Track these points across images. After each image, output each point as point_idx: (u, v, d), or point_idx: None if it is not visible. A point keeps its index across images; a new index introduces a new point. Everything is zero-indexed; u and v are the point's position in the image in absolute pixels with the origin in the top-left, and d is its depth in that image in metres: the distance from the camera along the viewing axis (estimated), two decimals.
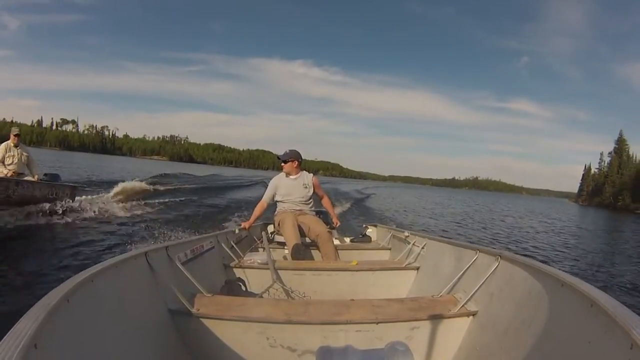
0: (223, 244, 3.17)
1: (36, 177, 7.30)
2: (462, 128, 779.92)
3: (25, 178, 7.05)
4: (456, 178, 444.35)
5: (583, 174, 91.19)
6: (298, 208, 3.98)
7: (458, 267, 2.33)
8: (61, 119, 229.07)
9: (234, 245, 3.42)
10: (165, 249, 2.09)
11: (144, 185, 13.78)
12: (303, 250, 3.51)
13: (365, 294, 2.82)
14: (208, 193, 15.86)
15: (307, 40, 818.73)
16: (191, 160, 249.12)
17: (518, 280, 1.71)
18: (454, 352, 1.86)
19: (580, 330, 1.15)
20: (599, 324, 1.07)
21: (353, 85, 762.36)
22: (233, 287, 2.55)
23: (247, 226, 3.82)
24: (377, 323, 1.87)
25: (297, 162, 4.04)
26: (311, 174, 4.13)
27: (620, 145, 73.63)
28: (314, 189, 4.08)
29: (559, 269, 1.53)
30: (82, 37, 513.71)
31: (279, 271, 2.85)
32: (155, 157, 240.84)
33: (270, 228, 4.46)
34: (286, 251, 3.64)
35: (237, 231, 3.69)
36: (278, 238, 4.02)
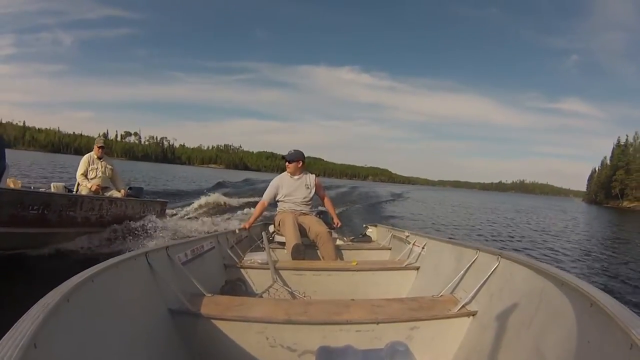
0: (223, 244, 3.10)
1: (122, 191, 6.43)
2: (511, 130, 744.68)
3: (110, 193, 6.25)
4: (503, 182, 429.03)
5: (589, 176, 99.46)
6: (299, 208, 3.83)
7: (458, 267, 2.23)
8: (125, 131, 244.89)
9: (234, 246, 3.34)
10: (165, 249, 2.03)
11: (224, 198, 13.01)
12: (303, 250, 3.38)
13: (365, 294, 2.71)
14: None
15: (354, 46, 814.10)
16: (246, 168, 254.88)
17: (518, 280, 1.67)
18: (454, 352, 1.81)
19: (580, 330, 1.14)
20: (599, 323, 1.05)
21: (401, 90, 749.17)
22: (233, 287, 2.47)
23: (247, 226, 3.71)
24: (377, 323, 1.81)
25: (301, 163, 3.90)
26: (313, 175, 3.99)
27: (614, 151, 77.92)
28: (315, 190, 3.93)
29: (558, 267, 1.50)
30: (131, 50, 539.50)
31: (279, 271, 2.78)
32: (213, 165, 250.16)
33: (271, 228, 4.31)
34: (286, 251, 3.50)
35: (237, 231, 3.58)
36: (278, 238, 3.87)
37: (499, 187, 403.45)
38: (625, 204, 64.61)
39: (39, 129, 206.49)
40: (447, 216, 19.20)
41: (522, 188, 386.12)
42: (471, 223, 16.42)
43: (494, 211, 26.82)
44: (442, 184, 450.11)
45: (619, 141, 78.33)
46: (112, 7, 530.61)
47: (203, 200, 11.72)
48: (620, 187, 68.55)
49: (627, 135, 76.20)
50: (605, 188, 75.11)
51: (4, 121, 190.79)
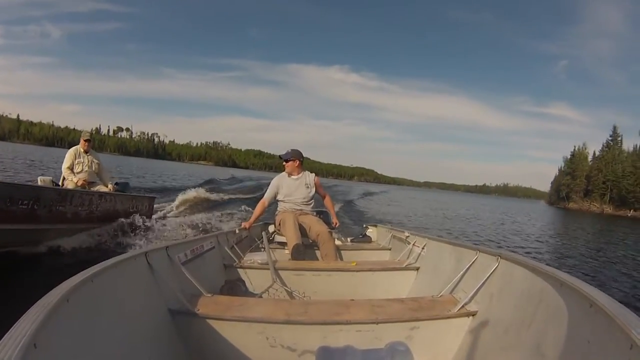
0: (223, 244, 3.02)
1: (110, 186, 6.12)
2: (499, 133, 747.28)
3: (97, 188, 5.90)
4: (487, 184, 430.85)
5: (552, 180, 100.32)
6: (299, 208, 3.73)
7: (458, 267, 2.20)
8: (117, 126, 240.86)
9: (234, 246, 3.26)
10: (165, 249, 1.98)
11: (206, 193, 12.58)
12: (303, 250, 3.30)
13: (365, 294, 2.66)
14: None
15: (343, 46, 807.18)
16: (234, 165, 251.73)
17: (518, 281, 1.64)
18: (454, 352, 1.78)
19: (580, 330, 1.12)
20: (599, 324, 1.03)
21: (391, 90, 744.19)
22: (233, 287, 2.42)
23: (247, 226, 3.57)
24: (377, 323, 1.78)
25: (298, 162, 3.78)
26: (313, 174, 3.88)
27: (568, 161, 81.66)
28: (315, 189, 3.84)
29: (557, 268, 1.47)
30: (121, 45, 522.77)
31: (279, 271, 2.72)
32: (202, 162, 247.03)
33: (271, 228, 4.21)
34: (286, 251, 3.42)
35: (237, 231, 3.48)
36: (278, 238, 3.78)
37: (483, 190, 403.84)
38: (571, 205, 70.31)
39: (31, 122, 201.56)
40: (391, 206, 25.29)
41: (505, 191, 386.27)
42: (399, 208, 23.49)
43: (428, 204, 33.93)
44: (427, 185, 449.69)
45: (575, 149, 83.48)
46: (103, 0, 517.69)
47: (189, 195, 11.36)
48: (567, 191, 74.58)
49: (574, 147, 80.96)
50: (557, 191, 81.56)
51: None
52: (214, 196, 12.86)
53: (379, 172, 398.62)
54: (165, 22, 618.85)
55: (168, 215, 8.76)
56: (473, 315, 1.82)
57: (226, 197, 13.54)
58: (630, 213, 57.49)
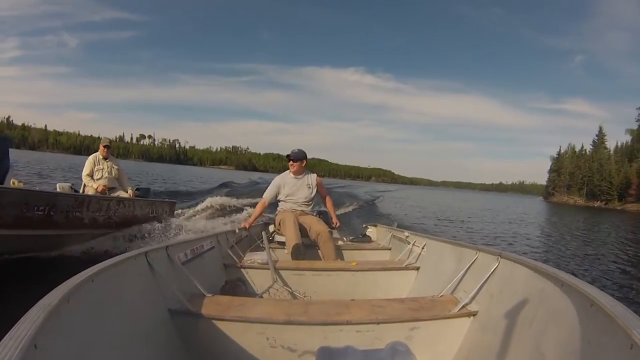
0: (223, 244, 2.99)
1: (130, 192, 6.01)
2: (515, 132, 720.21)
3: (117, 193, 5.81)
4: (503, 182, 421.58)
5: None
6: (300, 208, 3.68)
7: (458, 267, 2.17)
8: (140, 134, 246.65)
9: (234, 245, 3.22)
10: (165, 249, 1.96)
11: (230, 199, 12.16)
12: (303, 250, 3.26)
13: (365, 294, 2.64)
14: None
15: (358, 48, 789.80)
16: (254, 169, 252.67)
17: (518, 280, 1.63)
18: (454, 352, 1.76)
19: (581, 330, 1.11)
20: (599, 324, 1.02)
21: (406, 91, 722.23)
22: (233, 287, 2.40)
23: (247, 226, 3.52)
24: (378, 323, 1.77)
25: (305, 162, 3.73)
26: (314, 174, 3.84)
27: (555, 159, 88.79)
28: (317, 189, 3.79)
29: (559, 268, 1.46)
30: (136, 52, 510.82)
31: (279, 271, 2.69)
32: (223, 166, 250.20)
33: (271, 228, 4.15)
34: (286, 251, 3.37)
35: (237, 231, 3.42)
36: (278, 238, 3.72)
37: (499, 188, 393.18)
38: (554, 199, 78.57)
39: (57, 132, 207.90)
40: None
41: (521, 189, 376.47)
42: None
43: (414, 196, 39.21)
44: (444, 184, 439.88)
45: (560, 149, 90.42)
46: (118, 9, 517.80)
47: (212, 199, 11.15)
48: (552, 187, 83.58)
49: (560, 146, 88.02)
50: (547, 187, 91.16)
51: (26, 125, 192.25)
52: (234, 201, 12.61)
53: (396, 173, 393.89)
54: (178, 29, 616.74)
55: (191, 218, 8.64)
56: (474, 315, 1.80)
57: (247, 200, 13.29)
58: (597, 204, 66.28)
